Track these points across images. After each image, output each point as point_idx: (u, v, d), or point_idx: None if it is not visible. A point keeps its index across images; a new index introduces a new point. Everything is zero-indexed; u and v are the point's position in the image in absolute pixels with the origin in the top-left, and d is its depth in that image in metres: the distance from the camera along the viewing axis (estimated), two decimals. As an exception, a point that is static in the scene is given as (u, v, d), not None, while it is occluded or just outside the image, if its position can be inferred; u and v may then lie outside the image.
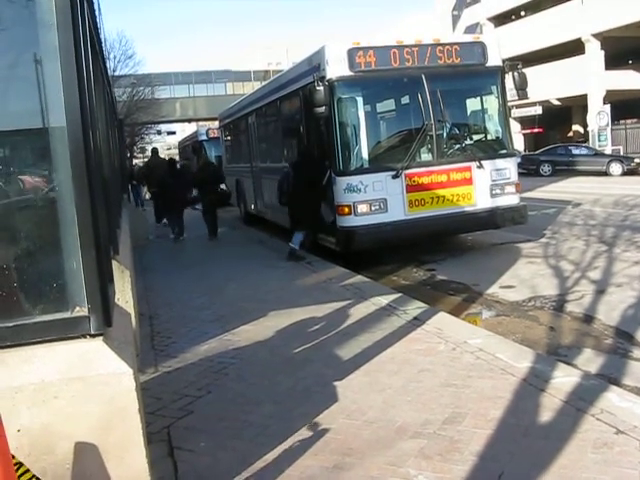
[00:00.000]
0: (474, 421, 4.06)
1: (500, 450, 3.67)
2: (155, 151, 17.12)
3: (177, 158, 34.46)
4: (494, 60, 10.47)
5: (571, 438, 3.72)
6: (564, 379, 4.59)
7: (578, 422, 3.90)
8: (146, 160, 24.73)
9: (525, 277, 8.83)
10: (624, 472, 3.32)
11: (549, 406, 4.17)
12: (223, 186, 19.07)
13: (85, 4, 3.45)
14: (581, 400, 4.20)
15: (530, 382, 4.61)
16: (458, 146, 10.48)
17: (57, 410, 2.60)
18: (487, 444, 3.75)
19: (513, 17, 42.53)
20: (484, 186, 10.33)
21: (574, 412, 4.04)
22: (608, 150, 32.37)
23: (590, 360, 5.58)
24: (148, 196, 24.47)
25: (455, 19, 49.54)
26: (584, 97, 35.53)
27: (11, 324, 2.68)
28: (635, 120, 34.97)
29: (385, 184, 9.80)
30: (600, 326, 6.52)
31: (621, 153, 31.89)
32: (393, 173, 9.81)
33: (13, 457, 2.30)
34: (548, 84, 33.23)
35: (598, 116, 33.95)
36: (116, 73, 35.86)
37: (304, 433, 4.09)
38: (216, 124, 25.32)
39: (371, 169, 9.92)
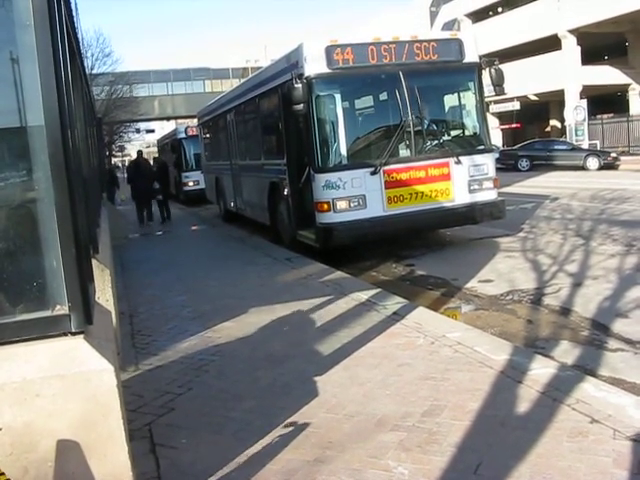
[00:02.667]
0: (453, 413, 4.12)
1: (478, 441, 3.73)
2: (140, 153, 19.37)
3: (156, 155, 34.48)
4: (471, 56, 10.53)
5: (547, 428, 3.78)
6: (541, 371, 4.67)
7: (554, 412, 3.97)
8: (131, 160, 25.98)
9: (503, 271, 8.91)
10: (598, 460, 3.39)
11: (526, 397, 4.24)
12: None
13: (62, 3, 3.45)
14: (557, 391, 4.28)
15: (508, 374, 4.67)
16: (436, 142, 10.51)
17: (39, 408, 2.61)
18: (465, 435, 3.80)
19: (490, 13, 42.84)
20: (462, 182, 10.39)
21: (550, 402, 4.12)
22: (585, 145, 32.68)
23: (567, 352, 5.66)
24: (123, 197, 25.17)
25: (433, 15, 49.75)
26: (561, 92, 35.86)
27: (-8, 323, 2.68)
28: (611, 115, 35.36)
29: (364, 180, 9.83)
30: (577, 318, 6.61)
31: (598, 147, 32.22)
32: (372, 169, 9.84)
33: None
34: (525, 80, 33.49)
35: (575, 111, 34.27)
36: (94, 71, 35.68)
37: (285, 428, 4.13)
38: (195, 122, 25.26)
39: (350, 165, 9.94)
